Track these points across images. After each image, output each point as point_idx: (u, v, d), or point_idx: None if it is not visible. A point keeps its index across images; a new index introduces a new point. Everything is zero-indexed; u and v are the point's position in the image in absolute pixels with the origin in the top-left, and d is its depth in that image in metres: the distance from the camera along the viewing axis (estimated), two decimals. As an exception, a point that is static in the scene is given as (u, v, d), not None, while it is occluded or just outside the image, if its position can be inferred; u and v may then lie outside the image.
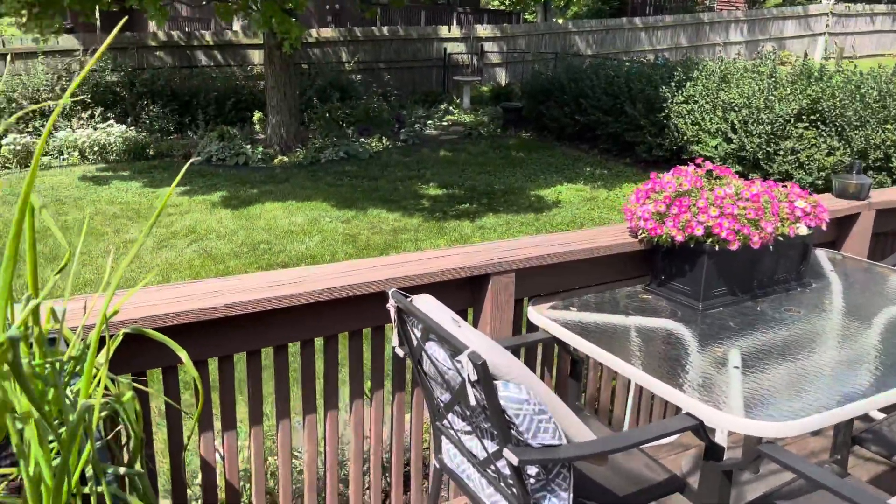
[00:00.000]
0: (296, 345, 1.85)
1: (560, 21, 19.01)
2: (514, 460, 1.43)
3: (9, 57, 10.85)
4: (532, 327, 2.10)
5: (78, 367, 1.14)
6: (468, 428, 1.68)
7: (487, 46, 14.94)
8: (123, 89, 10.93)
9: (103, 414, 1.12)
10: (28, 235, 1.04)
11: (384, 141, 10.71)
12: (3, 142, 9.68)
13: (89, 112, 10.39)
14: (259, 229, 7.01)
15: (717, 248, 1.99)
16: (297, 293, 1.68)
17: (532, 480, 1.56)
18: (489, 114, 12.70)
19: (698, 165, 2.20)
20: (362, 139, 10.61)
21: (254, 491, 1.90)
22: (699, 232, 1.99)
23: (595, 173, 9.56)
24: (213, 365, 1.77)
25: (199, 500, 1.90)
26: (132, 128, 10.27)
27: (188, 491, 1.99)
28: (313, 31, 12.98)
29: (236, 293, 1.64)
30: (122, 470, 1.01)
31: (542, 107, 11.45)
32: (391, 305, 1.64)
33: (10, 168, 9.32)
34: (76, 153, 9.61)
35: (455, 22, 17.38)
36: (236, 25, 14.84)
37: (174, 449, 1.73)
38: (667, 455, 2.50)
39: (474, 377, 1.37)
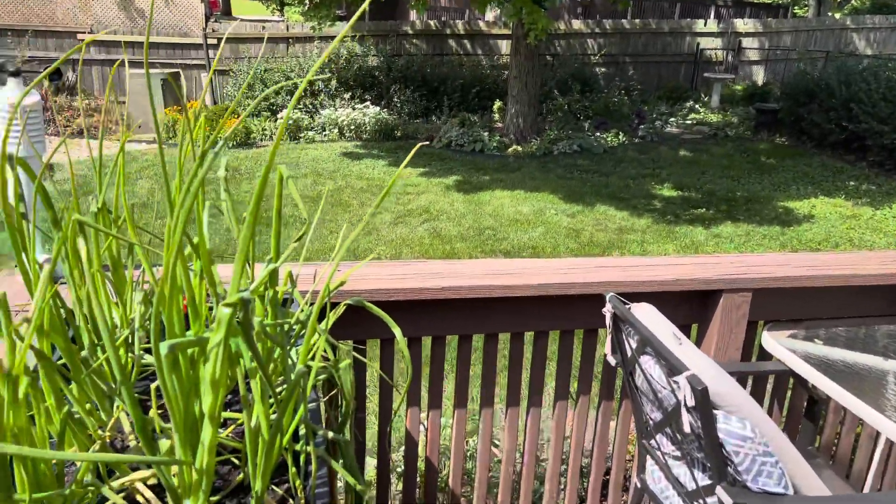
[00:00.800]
0: (506, 335, 1.84)
1: (837, 16, 17.01)
2: (729, 502, 1.29)
3: (290, 40, 12.21)
4: (765, 355, 1.89)
5: (304, 331, 1.22)
6: (678, 453, 1.55)
7: (746, 42, 13.84)
8: (381, 74, 11.78)
9: (321, 377, 1.19)
10: (275, 203, 1.13)
11: (621, 136, 10.40)
12: (279, 116, 10.94)
13: (350, 93, 11.36)
14: (486, 215, 7.18)
15: None
16: (513, 285, 1.66)
17: (745, 525, 1.40)
18: (739, 114, 11.77)
19: None
20: (598, 133, 10.40)
21: (451, 469, 1.94)
22: None
23: (860, 188, 8.45)
24: (426, 342, 1.82)
25: (400, 468, 1.98)
26: (384, 110, 11.04)
27: (392, 456, 2.08)
28: (561, 24, 12.95)
29: (455, 277, 1.67)
30: (330, 434, 1.06)
31: (803, 110, 10.35)
32: (607, 310, 1.56)
33: (282, 140, 10.50)
34: (336, 130, 10.57)
35: (712, 15, 16.31)
36: (489, 15, 15.29)
37: (383, 418, 1.82)
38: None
39: (691, 402, 1.25)
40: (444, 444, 2.28)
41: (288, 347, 1.07)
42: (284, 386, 1.02)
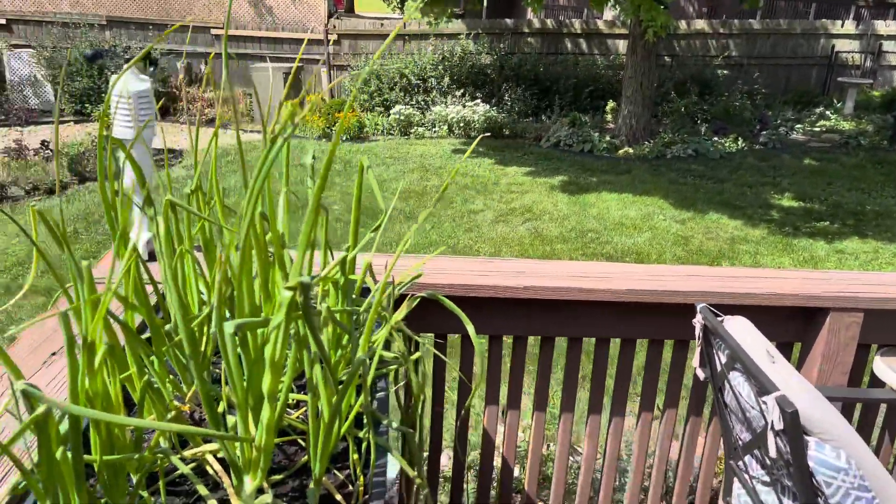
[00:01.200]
0: (591, 340, 1.79)
1: None
2: (814, 534, 1.20)
3: (406, 37, 12.44)
4: (877, 382, 1.74)
5: (381, 321, 1.23)
6: (767, 478, 1.45)
7: (888, 46, 12.82)
8: (493, 72, 11.79)
9: (392, 368, 1.20)
10: (356, 193, 1.15)
11: (740, 142, 9.91)
12: (391, 112, 11.17)
13: (462, 91, 11.43)
14: (590, 217, 7.04)
15: None
16: (599, 289, 1.61)
17: (836, 563, 1.29)
18: (875, 122, 10.93)
19: None
20: (715, 138, 9.95)
21: (528, 471, 1.91)
22: None
23: None
24: (507, 341, 1.80)
25: (476, 468, 1.98)
26: (494, 108, 11.04)
27: (468, 457, 2.07)
28: (682, 23, 12.48)
29: (539, 277, 1.64)
30: (394, 424, 1.07)
31: (951, 120, 9.48)
32: (697, 321, 1.49)
33: (392, 135, 10.73)
34: (445, 127, 10.68)
35: (851, 16, 15.22)
36: (608, 14, 14.97)
37: (460, 414, 1.81)
38: None
39: (780, 426, 1.17)
40: (520, 447, 2.25)
41: (356, 335, 1.09)
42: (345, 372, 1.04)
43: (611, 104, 11.39)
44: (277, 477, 1.02)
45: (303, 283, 0.73)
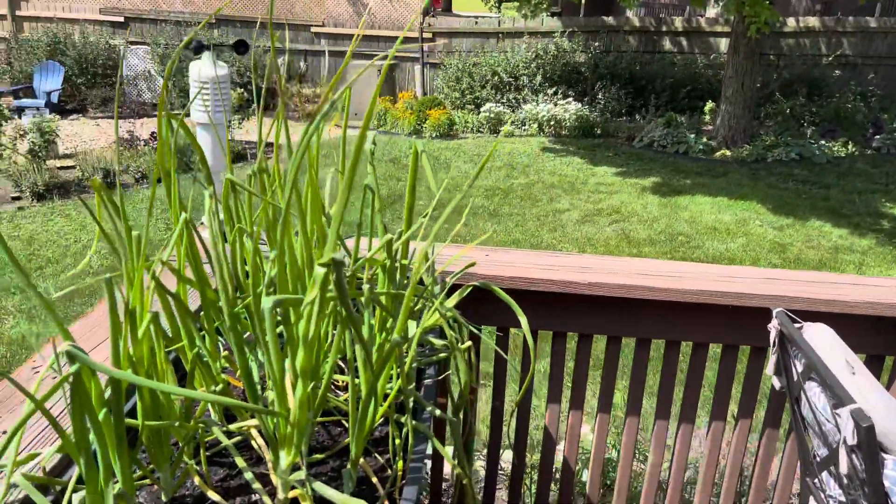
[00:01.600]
0: (660, 342, 1.72)
1: None
2: (889, 562, 1.10)
3: (500, 35, 12.41)
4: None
5: (430, 306, 1.22)
6: (843, 498, 1.35)
7: None
8: (587, 70, 11.58)
9: (441, 356, 1.19)
10: (409, 178, 1.14)
11: (850, 146, 9.32)
12: (482, 109, 11.17)
13: (554, 89, 11.30)
14: (682, 220, 6.80)
15: None
16: (668, 288, 1.54)
17: None
18: None
19: None
20: (822, 141, 9.40)
21: (590, 474, 1.86)
22: None
23: None
24: (571, 338, 1.76)
25: (537, 469, 1.94)
26: (586, 107, 10.85)
27: (530, 456, 2.03)
28: (791, 20, 11.85)
29: (606, 274, 1.59)
30: (437, 412, 1.06)
31: None
32: (773, 327, 1.40)
33: (482, 132, 10.73)
34: (535, 125, 10.58)
35: None
36: (709, 11, 14.41)
37: (522, 411, 1.78)
38: None
39: (853, 440, 1.08)
40: (583, 449, 2.19)
41: (399, 318, 1.08)
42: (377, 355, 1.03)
43: (709, 105, 10.97)
44: (319, 456, 1.03)
45: (335, 259, 0.73)
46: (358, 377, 0.99)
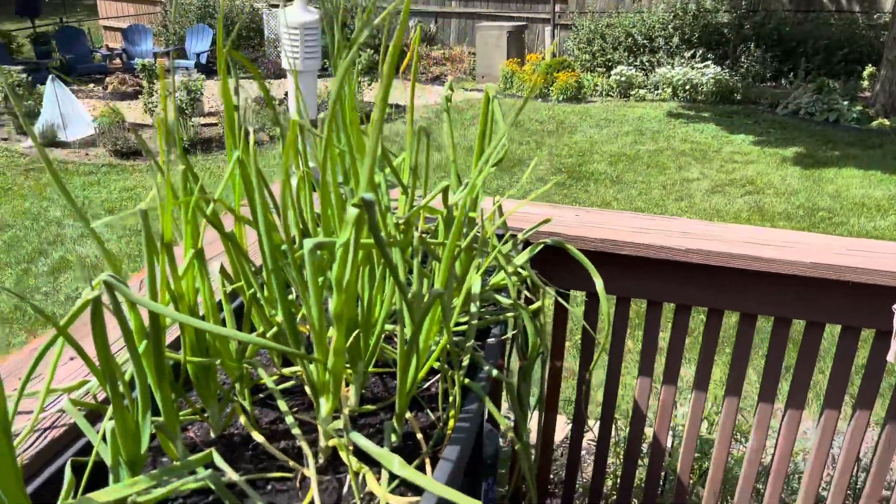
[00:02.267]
0: (768, 319, 1.56)
1: None
2: None
3: (636, -5, 11.82)
4: None
5: (502, 262, 1.16)
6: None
7: None
8: (730, 31, 10.82)
9: (507, 316, 1.13)
10: (480, 123, 1.08)
11: None
12: (612, 72, 10.76)
13: (692, 52, 10.66)
14: (825, 195, 6.24)
15: None
16: (777, 259, 1.39)
17: None
18: None
19: None
20: None
21: (682, 454, 1.75)
22: None
23: None
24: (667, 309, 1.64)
25: (623, 444, 1.84)
26: (726, 71, 10.17)
27: (613, 428, 1.94)
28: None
29: (706, 240, 1.45)
30: (494, 372, 1.00)
31: None
32: (897, 307, 1.23)
33: (611, 96, 10.34)
34: (668, 89, 10.06)
35: None
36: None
37: (610, 384, 1.70)
38: None
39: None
40: (678, 424, 2.07)
41: (460, 269, 1.03)
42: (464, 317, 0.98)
43: (868, 69, 9.95)
44: (370, 407, 1.00)
45: (365, 199, 0.69)
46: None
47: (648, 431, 1.99)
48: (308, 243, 0.79)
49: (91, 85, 11.29)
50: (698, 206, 6.10)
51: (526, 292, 1.23)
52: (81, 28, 12.85)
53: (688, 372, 2.98)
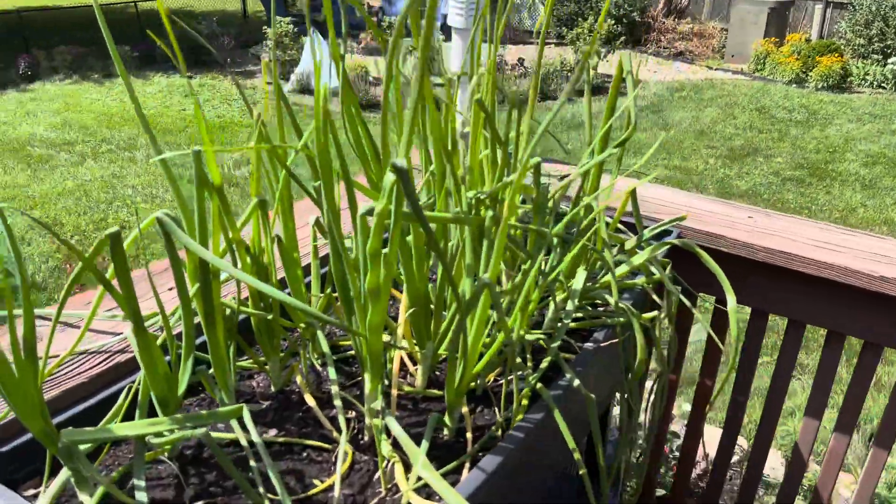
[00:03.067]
0: None
1: None
2: None
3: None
4: None
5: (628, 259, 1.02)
6: None
7: None
8: None
9: (616, 320, 0.99)
10: (609, 98, 0.94)
11: None
12: (889, 61, 9.34)
13: None
14: None
15: None
16: None
17: None
18: None
19: None
20: None
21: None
22: None
23: None
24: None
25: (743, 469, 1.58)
26: None
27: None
28: None
29: None
30: (576, 382, 0.88)
31: None
32: None
33: (884, 88, 9.00)
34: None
35: None
36: None
37: (738, 395, 1.47)
38: None
39: None
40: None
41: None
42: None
43: None
44: (437, 392, 0.94)
45: (396, 165, 0.61)
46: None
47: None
48: (363, 208, 0.74)
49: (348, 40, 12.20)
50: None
51: (654, 296, 1.07)
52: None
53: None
